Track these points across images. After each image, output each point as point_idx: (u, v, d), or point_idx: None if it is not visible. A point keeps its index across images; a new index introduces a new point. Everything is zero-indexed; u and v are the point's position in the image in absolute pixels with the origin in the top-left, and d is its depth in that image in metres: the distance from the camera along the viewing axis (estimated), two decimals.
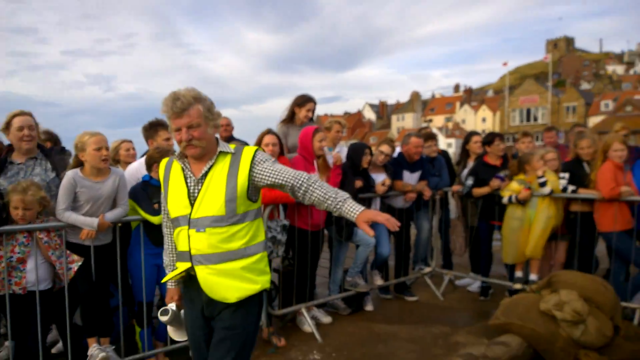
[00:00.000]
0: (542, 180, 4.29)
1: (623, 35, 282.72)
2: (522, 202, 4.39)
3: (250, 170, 1.99)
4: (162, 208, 2.21)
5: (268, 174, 1.99)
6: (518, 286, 4.43)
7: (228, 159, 2.02)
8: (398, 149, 5.23)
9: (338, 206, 1.93)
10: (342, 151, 4.68)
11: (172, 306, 2.23)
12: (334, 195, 1.94)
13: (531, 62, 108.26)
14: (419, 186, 4.92)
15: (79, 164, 3.22)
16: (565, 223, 4.47)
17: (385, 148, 4.72)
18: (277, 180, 1.99)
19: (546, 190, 4.25)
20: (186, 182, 2.02)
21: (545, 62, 60.12)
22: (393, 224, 1.88)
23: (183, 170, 2.05)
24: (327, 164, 4.19)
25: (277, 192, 3.74)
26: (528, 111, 52.29)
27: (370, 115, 79.86)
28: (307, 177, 2.01)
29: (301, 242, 4.09)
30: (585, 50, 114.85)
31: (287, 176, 1.99)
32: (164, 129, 3.86)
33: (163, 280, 2.28)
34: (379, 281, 4.86)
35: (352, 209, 1.90)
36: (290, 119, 4.51)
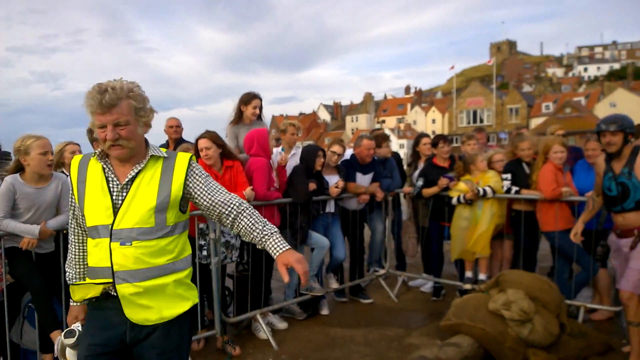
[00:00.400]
0: (481, 191, 4.48)
1: (562, 38, 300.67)
2: (470, 202, 4.54)
3: (186, 179, 1.82)
4: (72, 212, 1.92)
5: (200, 191, 1.84)
6: (468, 286, 4.57)
7: (160, 164, 1.82)
8: (350, 151, 5.27)
9: (264, 240, 1.80)
10: (297, 153, 4.66)
11: (77, 326, 1.92)
12: (261, 227, 1.81)
13: (476, 65, 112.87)
14: (371, 188, 4.97)
15: (19, 168, 3.01)
16: (509, 222, 4.67)
17: (337, 148, 4.74)
18: (205, 201, 1.84)
19: (489, 193, 4.44)
20: (108, 187, 1.77)
21: (490, 65, 62.85)
22: (307, 279, 1.76)
23: (104, 171, 1.80)
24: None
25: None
26: (475, 113, 54.37)
27: (325, 115, 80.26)
28: (238, 204, 1.86)
29: (256, 247, 4.02)
30: (527, 53, 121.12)
31: (218, 199, 1.85)
32: None
33: (75, 299, 1.93)
34: (334, 284, 4.87)
35: (276, 246, 1.77)
36: (238, 118, 4.48)
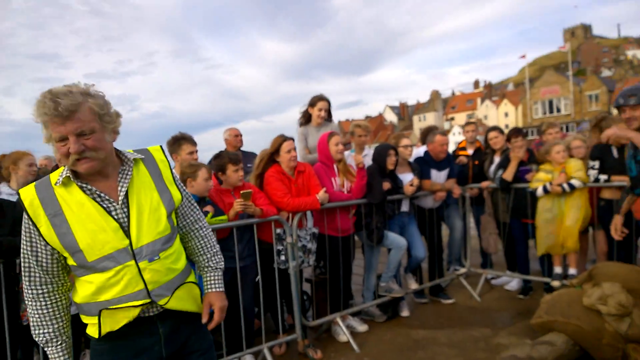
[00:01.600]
0: (566, 187, 4.21)
1: None
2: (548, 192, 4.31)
3: (171, 171, 1.76)
4: (27, 262, 1.58)
5: (179, 182, 1.79)
6: (556, 284, 4.29)
7: (141, 166, 1.68)
8: (423, 148, 5.18)
9: (206, 270, 1.85)
10: (368, 154, 4.67)
11: None
12: (208, 256, 1.84)
13: (549, 53, 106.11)
14: (447, 184, 4.85)
15: None
16: (597, 212, 4.32)
17: (405, 141, 4.71)
18: (183, 193, 1.80)
19: (577, 186, 4.17)
20: (104, 208, 1.55)
21: (564, 51, 58.76)
22: (217, 322, 1.79)
23: (87, 193, 1.55)
24: (347, 168, 4.20)
25: (303, 199, 3.74)
26: (550, 102, 51.04)
27: (391, 117, 79.47)
28: (197, 218, 1.84)
29: (332, 249, 4.06)
30: (604, 36, 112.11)
31: (190, 197, 1.84)
32: (188, 142, 3.89)
33: (101, 334, 1.60)
34: (413, 285, 4.78)
35: (213, 283, 1.83)
36: (306, 121, 4.62)
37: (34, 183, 1.58)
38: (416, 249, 4.54)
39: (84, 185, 1.55)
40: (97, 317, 1.58)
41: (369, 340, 4.01)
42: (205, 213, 3.28)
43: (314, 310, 4.14)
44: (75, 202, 1.53)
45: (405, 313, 4.57)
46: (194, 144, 3.92)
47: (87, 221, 1.52)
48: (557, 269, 4.41)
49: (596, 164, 4.20)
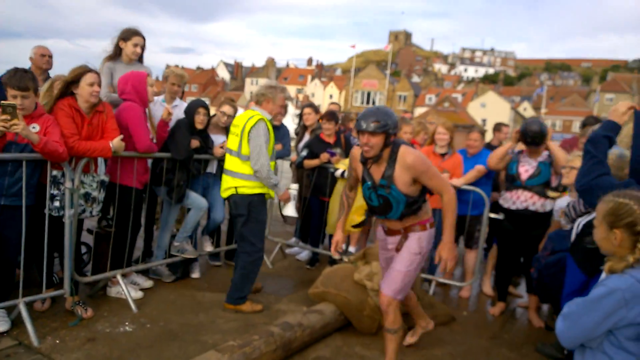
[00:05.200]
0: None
1: (450, 38, 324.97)
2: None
3: None
4: None
5: None
6: (337, 256, 4.75)
7: None
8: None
9: None
10: (180, 106, 4.33)
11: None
12: None
13: (375, 49, 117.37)
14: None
15: None
16: None
17: (227, 109, 4.49)
18: None
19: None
20: None
21: (386, 51, 65.50)
22: None
23: None
24: (151, 116, 3.90)
25: (92, 143, 3.28)
26: (368, 94, 56.73)
27: (224, 74, 77.27)
28: None
29: (123, 201, 3.68)
30: (419, 46, 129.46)
31: None
32: None
33: None
34: (209, 247, 4.70)
35: None
36: (115, 55, 4.04)
37: None
38: (216, 212, 4.45)
39: None
40: None
41: (151, 300, 3.80)
42: None
43: (92, 265, 3.72)
44: None
45: (195, 275, 4.48)
46: None
47: None
48: (352, 248, 4.89)
49: None
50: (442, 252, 2.70)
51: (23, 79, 2.93)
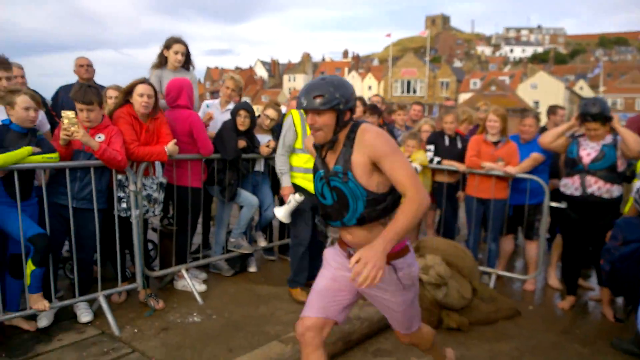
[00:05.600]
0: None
1: (492, 18, 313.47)
2: None
3: None
4: None
5: None
6: None
7: None
8: (284, 109, 5.17)
9: None
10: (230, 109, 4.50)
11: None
12: None
13: (412, 36, 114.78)
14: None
15: None
16: (432, 193, 4.82)
17: (270, 112, 4.57)
18: None
19: (418, 170, 4.54)
20: None
21: (424, 37, 64.06)
22: None
23: None
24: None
25: (149, 148, 3.49)
26: (409, 83, 55.77)
27: (262, 72, 78.32)
28: None
29: (180, 200, 3.88)
30: (459, 29, 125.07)
31: None
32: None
33: None
34: (262, 242, 4.84)
35: None
36: (162, 63, 4.22)
37: None
38: (266, 208, 4.58)
39: None
40: None
41: (214, 294, 3.99)
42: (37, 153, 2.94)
43: (160, 260, 3.96)
44: None
45: (252, 269, 4.64)
46: (7, 68, 3.37)
47: None
48: None
49: (432, 147, 4.71)
50: (364, 252, 1.75)
51: (87, 94, 3.16)
